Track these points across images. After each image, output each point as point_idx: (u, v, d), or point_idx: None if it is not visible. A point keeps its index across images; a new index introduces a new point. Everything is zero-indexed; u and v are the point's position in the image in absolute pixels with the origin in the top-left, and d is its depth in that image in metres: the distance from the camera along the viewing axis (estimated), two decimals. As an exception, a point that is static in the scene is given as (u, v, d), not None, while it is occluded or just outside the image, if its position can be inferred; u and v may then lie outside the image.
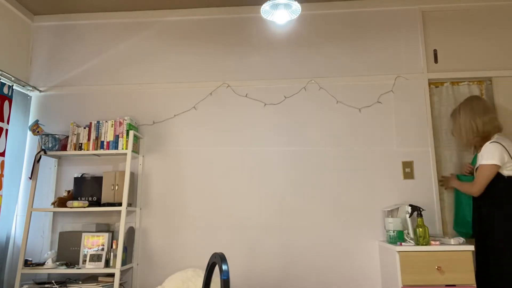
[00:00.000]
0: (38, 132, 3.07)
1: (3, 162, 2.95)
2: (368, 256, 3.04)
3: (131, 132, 3.08)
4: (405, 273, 2.53)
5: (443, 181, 3.10)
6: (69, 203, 2.97)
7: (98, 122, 3.17)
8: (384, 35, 3.36)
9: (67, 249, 3.01)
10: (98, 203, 3.10)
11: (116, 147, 3.11)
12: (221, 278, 1.50)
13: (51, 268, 2.86)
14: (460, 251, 2.53)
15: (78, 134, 3.17)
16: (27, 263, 2.93)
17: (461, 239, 2.63)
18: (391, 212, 2.98)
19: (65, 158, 3.34)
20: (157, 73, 3.43)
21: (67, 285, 2.85)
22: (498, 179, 2.62)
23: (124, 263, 2.94)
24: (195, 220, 3.18)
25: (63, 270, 2.84)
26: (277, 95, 3.33)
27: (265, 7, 2.61)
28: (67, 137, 3.21)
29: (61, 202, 3.03)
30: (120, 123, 3.15)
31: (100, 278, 2.94)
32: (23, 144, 3.30)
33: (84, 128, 3.17)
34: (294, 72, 3.35)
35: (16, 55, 3.34)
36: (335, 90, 3.30)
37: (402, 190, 3.11)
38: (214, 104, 3.35)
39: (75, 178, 3.19)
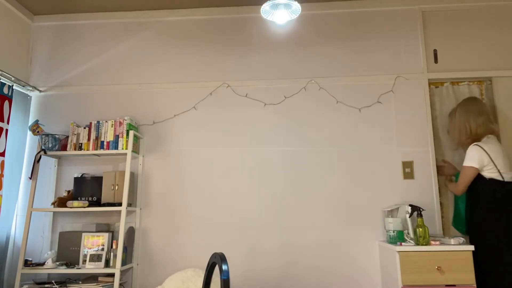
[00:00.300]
0: (38, 132, 3.07)
1: (3, 162, 2.95)
2: (368, 256, 3.04)
3: (131, 132, 3.08)
4: (405, 273, 2.53)
5: (442, 167, 3.09)
6: (69, 203, 2.97)
7: (98, 122, 3.17)
8: (384, 35, 3.36)
9: (67, 249, 3.01)
10: (98, 203, 3.10)
11: (116, 147, 3.11)
12: (221, 278, 1.50)
13: (51, 268, 2.86)
14: (460, 251, 2.53)
15: (78, 134, 3.17)
16: (27, 263, 2.93)
17: (461, 239, 2.63)
18: (391, 212, 2.98)
19: (65, 158, 3.34)
20: (157, 73, 3.43)
21: (67, 285, 2.85)
22: (480, 180, 2.71)
23: (124, 263, 2.94)
24: (195, 220, 3.18)
25: (63, 270, 2.84)
26: (277, 95, 3.33)
27: (265, 7, 2.61)
28: (67, 137, 3.21)
29: (61, 202, 3.03)
30: (120, 123, 3.15)
31: (100, 278, 2.94)
32: (23, 144, 3.30)
33: (84, 128, 3.17)
34: (294, 72, 3.35)
35: (16, 55, 3.34)
36: (335, 90, 3.30)
37: (402, 190, 3.11)
38: (214, 104, 3.35)
39: (75, 178, 3.19)
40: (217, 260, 1.59)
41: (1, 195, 2.93)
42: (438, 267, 2.52)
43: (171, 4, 3.44)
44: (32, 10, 3.48)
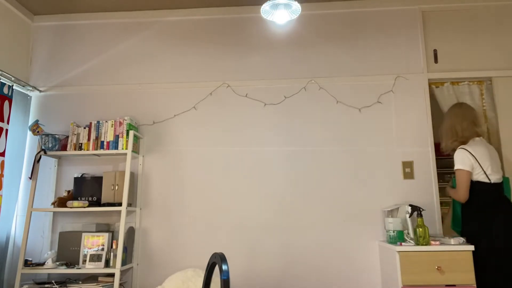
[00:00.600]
0: (38, 132, 3.07)
1: (3, 162, 2.95)
2: (368, 256, 3.04)
3: (131, 132, 3.08)
4: (405, 273, 2.53)
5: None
6: (69, 203, 2.97)
7: (98, 122, 3.17)
8: (384, 35, 3.36)
9: (67, 249, 3.01)
10: (98, 203, 3.10)
11: (116, 147, 3.11)
12: (221, 278, 1.50)
13: (51, 268, 2.86)
14: (460, 251, 2.53)
15: (78, 134, 3.17)
16: (27, 263, 2.93)
17: (461, 239, 2.63)
18: (391, 212, 2.98)
19: (65, 158, 3.34)
20: (157, 73, 3.43)
21: (67, 285, 2.85)
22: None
23: (124, 263, 2.94)
24: (195, 220, 3.18)
25: (63, 270, 2.84)
26: (277, 95, 3.33)
27: (265, 7, 2.61)
28: (67, 137, 3.21)
29: (61, 202, 3.03)
30: (120, 123, 3.15)
31: (100, 278, 2.94)
32: (23, 144, 3.30)
33: (84, 128, 3.17)
34: (294, 72, 3.35)
35: (16, 55, 3.34)
36: (335, 90, 3.30)
37: (402, 190, 3.11)
38: (214, 104, 3.35)
39: (75, 178, 3.19)
40: (217, 260, 1.59)
41: (1, 195, 2.93)
42: (438, 267, 2.52)
43: (171, 4, 3.43)
44: (32, 10, 3.48)
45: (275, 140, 3.26)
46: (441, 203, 3.13)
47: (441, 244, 2.62)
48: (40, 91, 3.44)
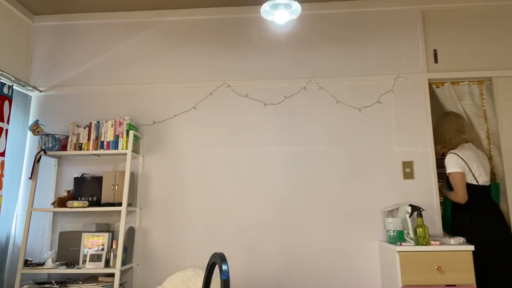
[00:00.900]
0: (38, 132, 3.07)
1: (3, 162, 2.95)
2: (368, 256, 3.04)
3: (131, 132, 3.08)
4: (405, 273, 2.53)
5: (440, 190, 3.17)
6: (69, 203, 2.97)
7: (98, 122, 3.17)
8: (384, 35, 3.36)
9: (67, 249, 3.01)
10: (98, 203, 3.10)
11: (116, 147, 3.11)
12: (221, 278, 1.50)
13: (51, 268, 2.86)
14: (460, 251, 2.53)
15: (78, 134, 3.17)
16: (27, 263, 2.93)
17: (461, 239, 2.63)
18: (391, 212, 2.98)
19: (65, 158, 3.34)
20: (157, 73, 3.43)
21: (67, 285, 2.85)
22: None
23: (124, 263, 2.94)
24: (195, 220, 3.18)
25: (63, 270, 2.84)
26: (277, 95, 3.33)
27: (265, 7, 2.61)
28: (67, 137, 3.21)
29: (61, 202, 3.03)
30: (120, 123, 3.15)
31: (100, 278, 2.94)
32: (23, 144, 3.30)
33: (84, 128, 3.17)
34: (294, 72, 3.35)
35: (16, 55, 3.34)
36: (335, 90, 3.30)
37: (402, 190, 3.11)
38: (214, 104, 3.35)
39: (75, 178, 3.19)
40: (217, 260, 1.59)
41: (1, 195, 2.93)
42: (438, 267, 2.52)
43: (171, 4, 3.43)
44: (32, 10, 3.48)
45: (275, 140, 3.26)
46: (441, 203, 3.13)
47: (441, 244, 2.62)
48: (40, 91, 3.44)
